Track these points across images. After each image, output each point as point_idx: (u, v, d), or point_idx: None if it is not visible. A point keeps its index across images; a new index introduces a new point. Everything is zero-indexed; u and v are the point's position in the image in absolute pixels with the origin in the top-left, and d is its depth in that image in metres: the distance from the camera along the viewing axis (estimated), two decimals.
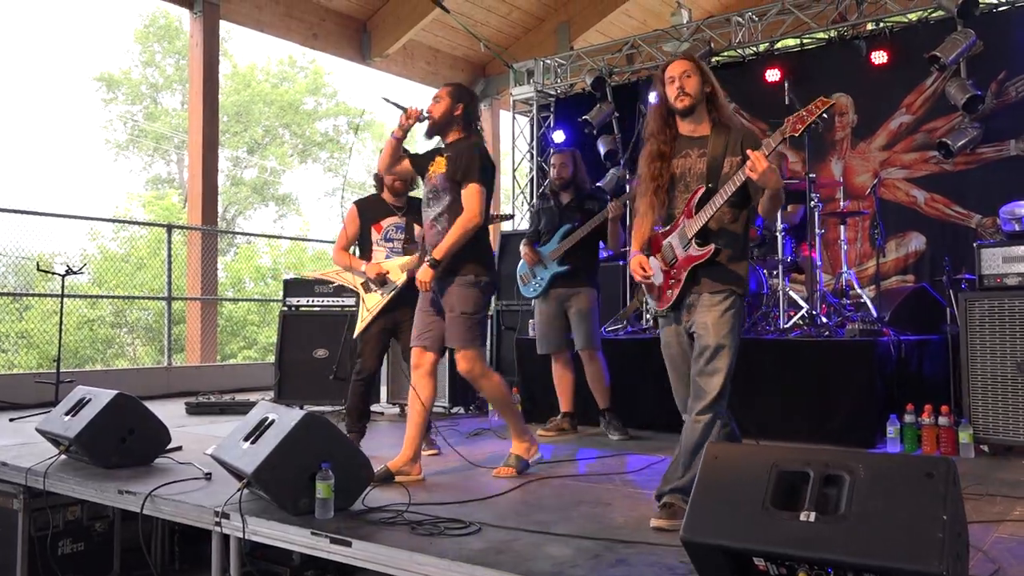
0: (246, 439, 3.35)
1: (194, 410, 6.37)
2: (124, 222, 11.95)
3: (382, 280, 4.58)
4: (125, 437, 4.09)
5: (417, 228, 4.53)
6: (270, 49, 29.42)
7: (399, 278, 4.56)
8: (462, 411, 6.49)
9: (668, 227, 3.25)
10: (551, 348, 5.37)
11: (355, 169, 28.49)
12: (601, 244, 5.41)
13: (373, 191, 4.90)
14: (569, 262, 5.23)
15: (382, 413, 6.54)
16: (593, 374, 5.24)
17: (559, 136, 9.17)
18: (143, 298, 12.40)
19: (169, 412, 6.46)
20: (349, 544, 2.84)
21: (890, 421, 4.63)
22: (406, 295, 4.44)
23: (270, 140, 26.40)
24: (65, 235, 8.81)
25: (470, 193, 3.77)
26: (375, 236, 4.72)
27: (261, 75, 26.52)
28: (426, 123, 3.91)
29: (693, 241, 3.12)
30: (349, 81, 34.25)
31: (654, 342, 5.67)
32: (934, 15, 7.17)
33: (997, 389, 4.36)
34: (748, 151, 2.95)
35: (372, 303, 4.58)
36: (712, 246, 3.08)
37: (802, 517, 2.11)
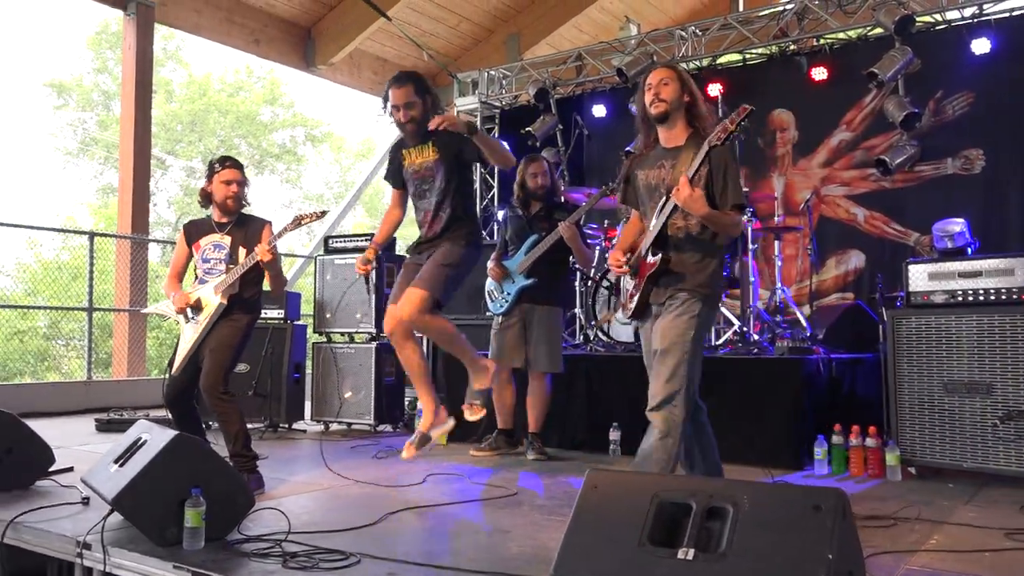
0: (116, 461, 3.09)
1: (104, 427, 6.03)
2: (41, 229, 11.48)
3: (195, 309, 4.05)
4: (1, 458, 3.77)
5: (243, 251, 4.06)
6: (227, 58, 28.99)
7: (211, 305, 4.01)
8: (389, 429, 6.23)
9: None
10: (504, 364, 5.02)
11: (312, 181, 28.16)
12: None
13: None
14: (535, 275, 4.96)
15: (305, 431, 6.26)
16: (537, 395, 4.98)
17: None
18: (60, 308, 11.94)
19: (79, 429, 6.14)
20: None
21: (818, 442, 4.48)
22: (219, 322, 4.01)
23: (225, 151, 25.93)
24: (5, 244, 8.30)
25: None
26: (194, 256, 4.22)
27: (217, 84, 26.07)
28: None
29: (649, 250, 3.17)
30: (305, 91, 33.90)
31: (584, 360, 5.52)
32: (873, 32, 7.13)
33: (924, 409, 4.22)
34: (679, 177, 3.00)
35: (188, 335, 4.06)
36: (660, 255, 3.11)
37: (680, 555, 1.91)
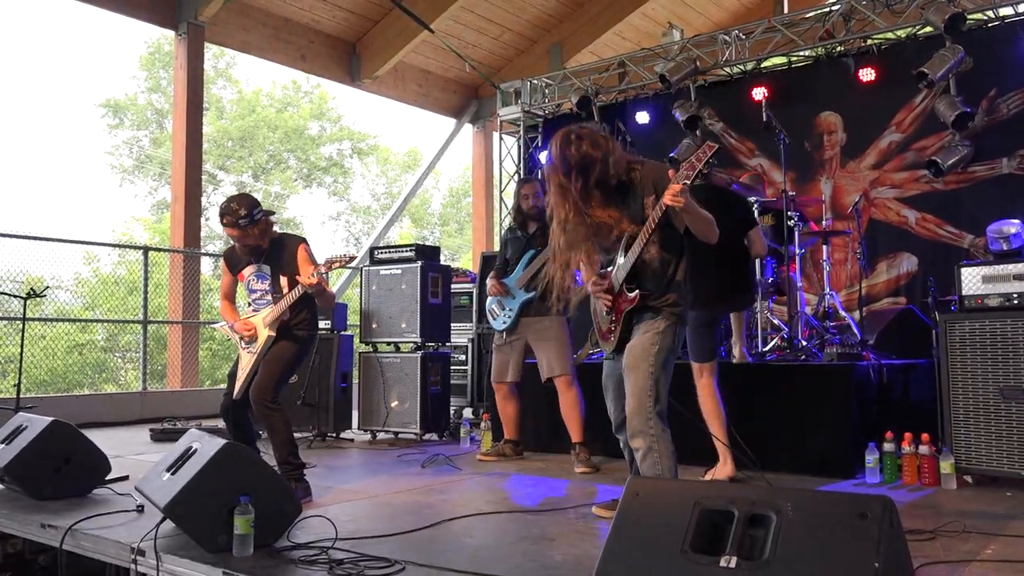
0: (168, 469, 3.17)
1: (158, 436, 6.18)
2: (98, 244, 11.84)
3: (250, 339, 4.13)
4: (60, 467, 3.89)
5: (284, 279, 4.05)
6: (275, 74, 29.59)
7: (262, 337, 4.08)
8: (435, 437, 6.27)
9: (611, 269, 3.35)
10: (503, 377, 5.27)
11: (359, 193, 28.54)
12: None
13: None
14: (535, 289, 5.07)
15: (352, 440, 6.34)
16: (568, 404, 5.03)
17: (546, 157, 9.00)
18: (117, 321, 12.26)
19: (134, 439, 6.31)
20: None
21: (869, 450, 4.39)
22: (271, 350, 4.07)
23: (275, 165, 26.43)
24: (64, 259, 8.51)
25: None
26: (241, 284, 4.29)
27: (266, 100, 26.60)
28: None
29: (624, 286, 3.24)
30: (351, 105, 34.50)
31: None
32: (922, 32, 6.99)
33: (980, 416, 4.12)
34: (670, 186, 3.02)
35: (244, 363, 4.15)
36: (637, 292, 3.19)
37: (723, 563, 1.90)
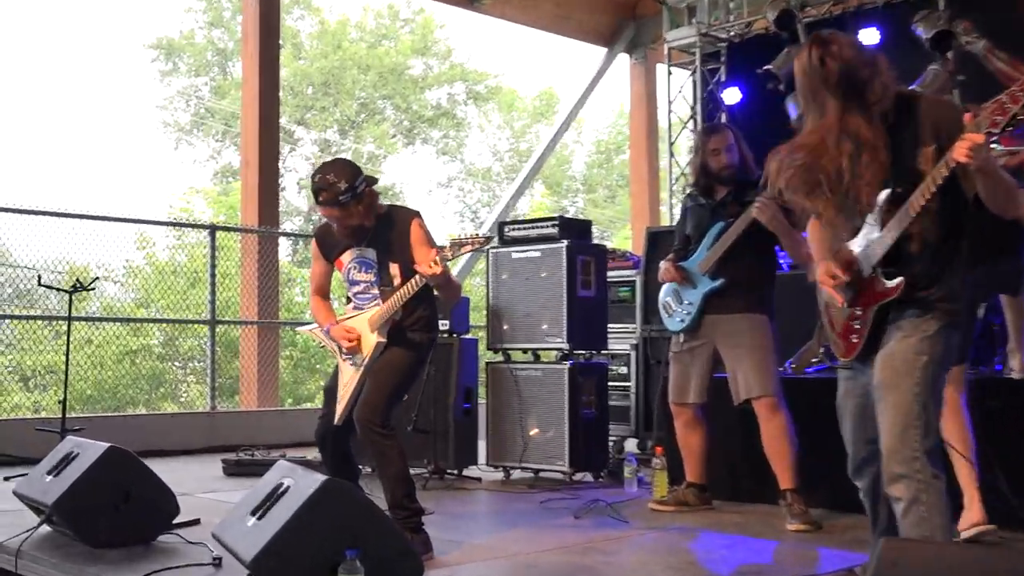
0: (253, 513, 3.29)
1: (233, 470, 6.46)
2: (153, 223, 12.38)
3: (352, 350, 4.21)
4: (119, 505, 4.12)
5: (395, 267, 4.10)
6: None
7: (369, 345, 4.16)
8: (589, 478, 6.27)
9: (853, 245, 3.21)
10: (683, 397, 5.20)
11: (476, 152, 28.93)
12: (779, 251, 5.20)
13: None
14: (725, 275, 4.99)
15: (479, 479, 6.42)
16: (773, 435, 4.91)
17: (732, 95, 8.85)
18: (177, 322, 12.86)
19: (203, 472, 6.62)
20: None
21: None
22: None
23: (367, 117, 27.19)
24: (114, 243, 8.89)
25: None
26: (338, 274, 4.37)
27: (355, 33, 27.33)
28: None
29: (878, 269, 3.09)
30: (466, 35, 34.73)
31: None
32: None
33: None
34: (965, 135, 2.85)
35: (347, 378, 4.24)
36: (901, 279, 3.03)
37: None
